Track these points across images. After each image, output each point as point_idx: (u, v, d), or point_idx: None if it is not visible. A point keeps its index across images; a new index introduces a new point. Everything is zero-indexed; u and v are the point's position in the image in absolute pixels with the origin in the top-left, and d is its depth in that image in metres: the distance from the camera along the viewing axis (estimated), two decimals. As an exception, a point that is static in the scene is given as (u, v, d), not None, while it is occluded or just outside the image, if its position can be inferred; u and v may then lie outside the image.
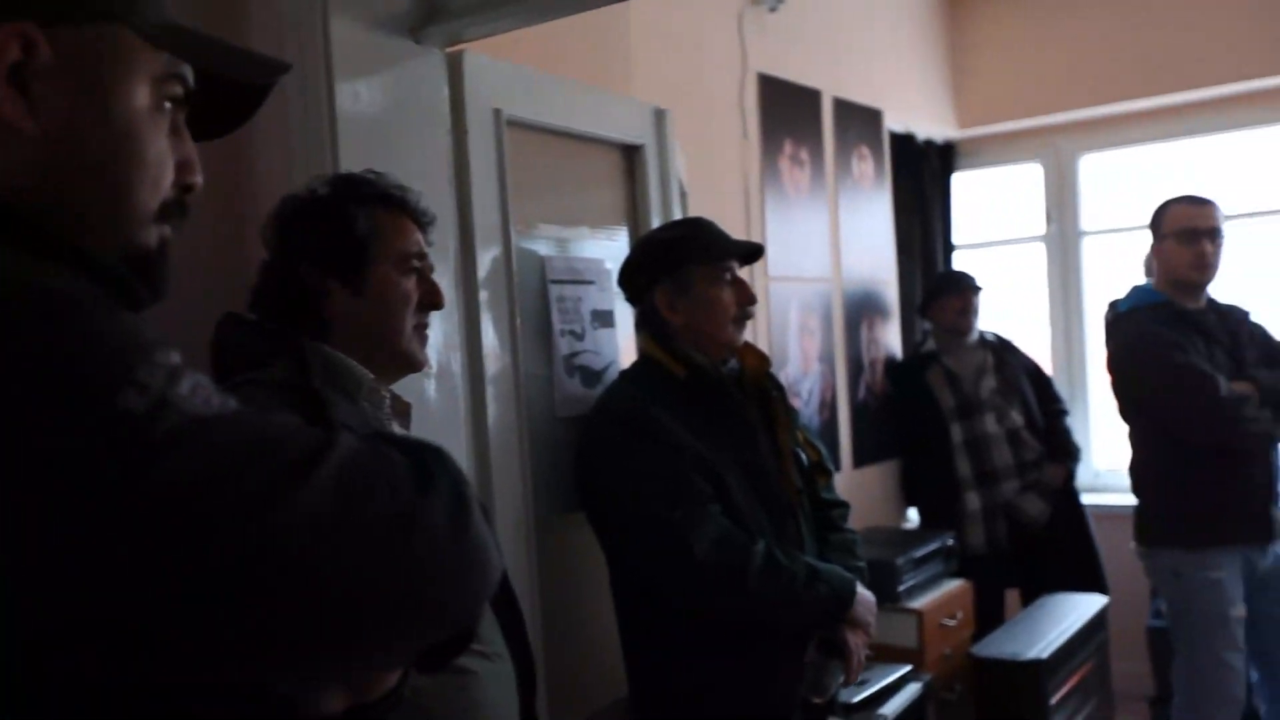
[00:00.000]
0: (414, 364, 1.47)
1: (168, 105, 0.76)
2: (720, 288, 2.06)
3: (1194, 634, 2.93)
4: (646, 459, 1.94)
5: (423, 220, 1.49)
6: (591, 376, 2.21)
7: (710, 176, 3.22)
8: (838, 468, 3.80)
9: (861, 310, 4.05)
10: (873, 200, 4.19)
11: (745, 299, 2.08)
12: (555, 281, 2.14)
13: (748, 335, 2.26)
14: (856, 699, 2.73)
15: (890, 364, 4.19)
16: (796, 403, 3.61)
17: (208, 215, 1.62)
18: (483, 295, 1.92)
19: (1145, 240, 4.01)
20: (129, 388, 0.61)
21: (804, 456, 2.18)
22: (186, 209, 0.79)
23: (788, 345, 3.59)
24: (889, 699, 2.80)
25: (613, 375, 2.21)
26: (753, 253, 2.11)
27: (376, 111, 1.73)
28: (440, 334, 1.77)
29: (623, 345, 2.30)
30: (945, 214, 4.78)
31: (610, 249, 2.30)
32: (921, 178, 4.65)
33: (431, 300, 1.48)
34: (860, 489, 3.92)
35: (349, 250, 1.40)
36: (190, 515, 0.60)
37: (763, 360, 2.15)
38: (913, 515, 4.22)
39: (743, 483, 2.00)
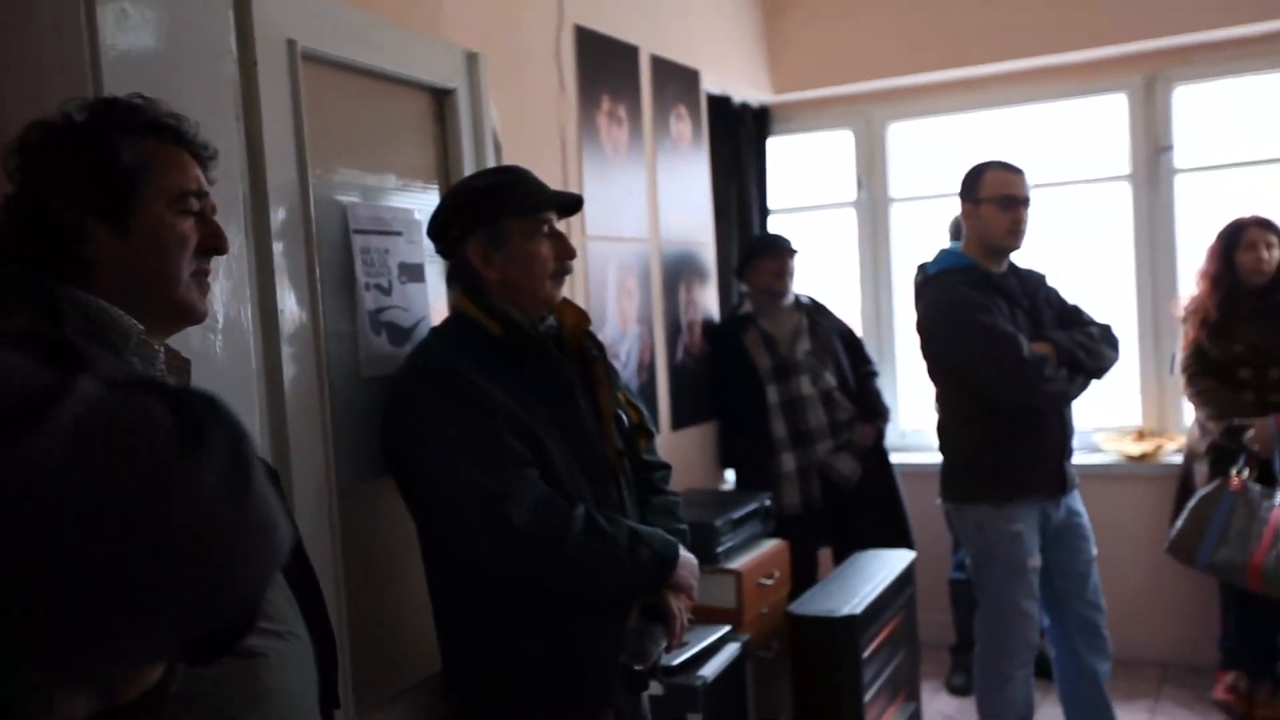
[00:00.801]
0: (192, 315, 1.30)
1: None
2: (537, 241, 1.95)
3: (995, 584, 3.04)
4: (459, 421, 1.82)
5: (202, 154, 1.32)
6: (400, 333, 2.06)
7: (525, 129, 3.10)
8: (656, 430, 3.76)
9: (679, 272, 4.02)
10: (690, 161, 4.16)
11: (564, 253, 1.98)
12: (359, 231, 1.98)
13: (564, 294, 2.17)
14: (676, 662, 2.71)
15: (708, 326, 4.19)
16: (615, 364, 3.54)
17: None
18: (277, 245, 1.75)
19: (950, 208, 4.17)
20: None
21: (625, 418, 2.10)
22: None
23: (606, 306, 3.51)
24: (708, 660, 2.79)
25: (423, 333, 2.07)
26: (571, 204, 2.01)
27: (148, 36, 1.53)
28: (227, 284, 1.60)
29: (435, 301, 2.16)
30: (761, 178, 4.81)
31: (420, 199, 2.15)
32: (738, 141, 4.66)
33: (213, 244, 1.31)
34: (678, 451, 3.90)
35: (112, 184, 1.22)
36: None
37: (582, 318, 2.06)
38: (730, 477, 4.24)
39: (562, 445, 1.91)
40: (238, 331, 1.63)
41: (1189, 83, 4.28)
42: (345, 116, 1.99)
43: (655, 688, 2.08)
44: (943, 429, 3.22)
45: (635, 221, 3.74)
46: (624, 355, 3.63)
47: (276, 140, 1.75)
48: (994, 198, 3.03)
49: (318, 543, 1.78)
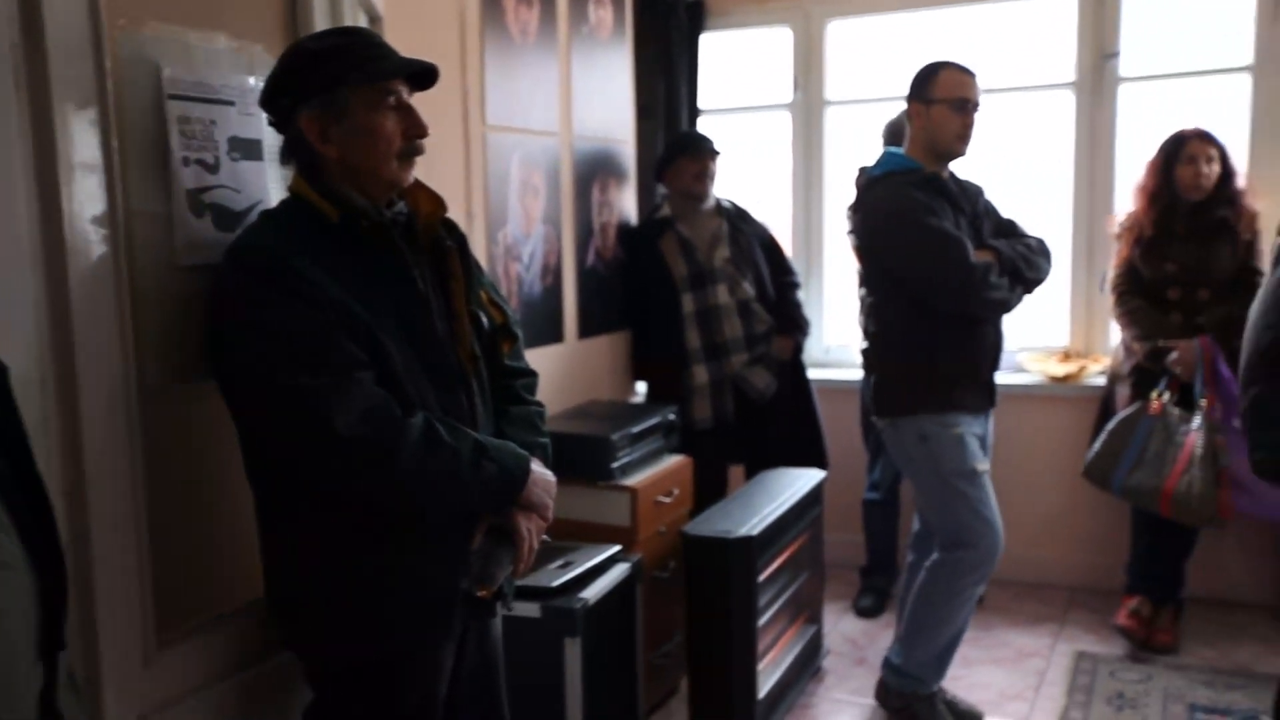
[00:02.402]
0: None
1: None
2: (382, 114, 1.71)
3: (948, 495, 2.91)
4: (281, 315, 1.61)
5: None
6: (229, 217, 1.83)
7: (414, 3, 2.81)
8: (560, 338, 3.58)
9: (594, 171, 3.78)
10: (610, 53, 3.89)
11: (414, 130, 1.75)
12: (176, 98, 1.73)
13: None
14: (557, 583, 2.56)
15: (623, 230, 3.96)
16: (515, 267, 3.33)
17: None
18: (60, 105, 1.50)
19: (886, 113, 3.96)
20: None
21: (486, 318, 1.90)
22: None
23: (507, 202, 3.28)
24: (593, 581, 2.65)
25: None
26: (424, 74, 1.77)
27: None
28: (-19, 147, 1.36)
29: (278, 183, 1.93)
30: (692, 75, 4.54)
31: (260, 64, 1.89)
32: (669, 35, 4.39)
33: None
34: (586, 361, 3.72)
35: None
36: None
37: (437, 205, 1.83)
38: (641, 389, 4.07)
39: (405, 347, 1.71)
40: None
41: (1138, -14, 4.07)
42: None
43: (502, 611, 1.92)
44: (879, 340, 3.06)
45: (544, 114, 3.48)
46: (526, 257, 3.41)
47: (59, -23, 1.49)
48: (947, 99, 2.86)
49: (111, 448, 1.57)
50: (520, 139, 3.34)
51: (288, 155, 1.77)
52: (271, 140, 1.86)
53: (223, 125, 1.82)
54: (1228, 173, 3.56)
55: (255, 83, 1.87)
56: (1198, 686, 3.24)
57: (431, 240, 1.83)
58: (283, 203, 1.78)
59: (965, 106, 2.87)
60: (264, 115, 1.79)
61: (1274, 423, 0.86)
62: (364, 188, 1.74)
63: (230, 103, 1.84)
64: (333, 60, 1.70)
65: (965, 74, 2.89)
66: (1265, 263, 3.53)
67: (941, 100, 2.87)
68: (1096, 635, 3.64)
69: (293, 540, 1.72)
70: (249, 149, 1.88)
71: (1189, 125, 3.59)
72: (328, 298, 1.63)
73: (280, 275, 1.62)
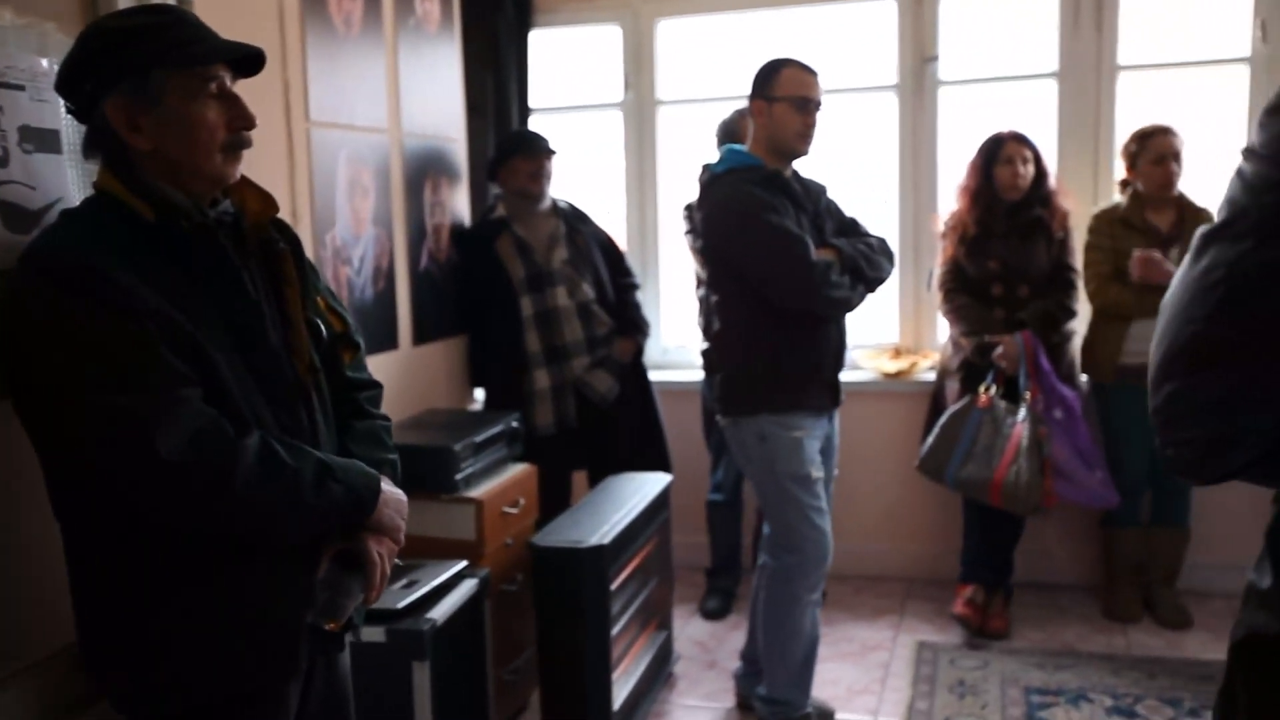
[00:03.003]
0: None
1: None
2: (202, 102, 1.54)
3: (783, 498, 2.89)
4: (91, 328, 1.42)
5: None
6: (22, 217, 1.63)
7: (229, -13, 2.61)
8: (394, 344, 3.41)
9: (425, 169, 3.62)
10: (439, 47, 3.74)
11: (239, 120, 1.58)
12: (-44, 81, 1.52)
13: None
14: (403, 604, 2.43)
15: (457, 231, 3.82)
16: (346, 271, 3.15)
17: None
18: None
19: (719, 112, 3.95)
20: None
21: (324, 326, 1.75)
22: None
23: (335, 203, 3.09)
24: (440, 600, 2.52)
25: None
26: (250, 59, 1.61)
27: None
28: None
29: (80, 179, 1.72)
30: (522, 72, 4.43)
31: (55, 44, 1.69)
32: (496, 30, 4.26)
33: None
34: (421, 368, 3.56)
35: None
36: None
37: (267, 203, 1.67)
38: (480, 396, 3.94)
39: (235, 360, 1.55)
40: None
41: (957, -7, 4.21)
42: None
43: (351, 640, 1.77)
44: (723, 340, 3.03)
45: (371, 109, 3.31)
46: (357, 261, 3.23)
47: None
48: (790, 97, 2.84)
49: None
50: (346, 135, 3.16)
51: (91, 148, 1.57)
52: (73, 131, 1.66)
53: (11, 113, 1.62)
54: (1041, 173, 3.71)
55: (49, 65, 1.67)
56: (1031, 669, 3.35)
57: (262, 242, 1.67)
58: (87, 200, 1.59)
59: (807, 105, 2.86)
60: (62, 102, 1.60)
61: (1188, 420, 0.83)
62: (183, 184, 1.57)
63: (19, 87, 1.64)
64: (143, 40, 1.52)
65: (808, 72, 2.89)
66: (1078, 260, 3.72)
67: (783, 98, 2.86)
68: (935, 625, 3.74)
69: (108, 577, 1.53)
70: (44, 140, 1.67)
71: (1004, 128, 3.73)
72: (145, 307, 1.45)
73: (88, 282, 1.44)
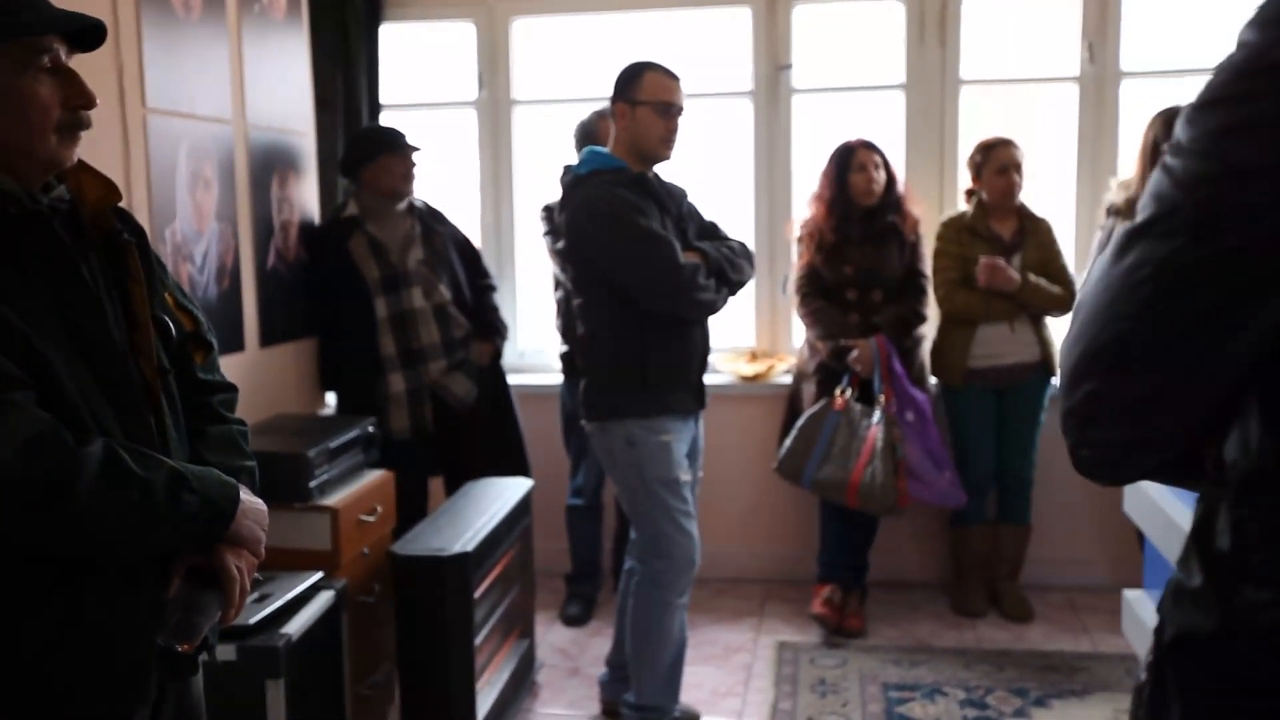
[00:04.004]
0: None
1: None
2: (34, 78, 1.40)
3: (651, 503, 2.86)
4: (-94, 326, 1.27)
5: None
6: None
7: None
8: (240, 346, 3.24)
9: (272, 164, 3.45)
10: (286, 36, 3.58)
11: (78, 98, 1.44)
12: None
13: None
14: (255, 619, 2.29)
15: (307, 229, 3.66)
16: (187, 268, 2.97)
17: None
18: None
19: (576, 114, 3.91)
20: None
21: (173, 325, 1.62)
22: None
23: (175, 196, 2.91)
24: (295, 614, 2.39)
25: None
26: (88, 31, 1.48)
27: None
28: None
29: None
30: (372, 67, 4.29)
31: None
32: (345, 23, 4.12)
33: None
34: (269, 371, 3.39)
35: None
36: None
37: (108, 190, 1.54)
38: (331, 400, 3.78)
39: (75, 361, 1.41)
40: None
41: (809, 2, 4.28)
42: None
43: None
44: (588, 343, 2.98)
45: (214, 98, 3.13)
46: (200, 258, 3.05)
47: None
48: (653, 102, 2.83)
49: None
50: (188, 125, 2.98)
51: (-94, 126, 1.41)
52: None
53: None
54: (891, 179, 3.81)
55: None
56: (888, 665, 3.43)
57: (104, 233, 1.53)
58: (-98, 184, 1.43)
59: (670, 110, 2.85)
60: None
61: (1105, 421, 0.83)
62: (12, 167, 1.42)
63: None
64: (-34, 9, 1.37)
65: (670, 77, 2.88)
66: (928, 266, 3.83)
67: (647, 102, 2.84)
68: (794, 625, 3.78)
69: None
70: None
71: (853, 136, 3.82)
72: (-30, 302, 1.31)
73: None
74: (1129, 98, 4.13)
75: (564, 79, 4.46)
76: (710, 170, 4.38)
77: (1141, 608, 2.45)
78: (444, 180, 4.49)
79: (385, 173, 3.55)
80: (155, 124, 2.82)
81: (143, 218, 2.75)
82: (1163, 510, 2.18)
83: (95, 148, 2.54)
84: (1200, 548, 0.83)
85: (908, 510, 3.73)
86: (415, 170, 3.60)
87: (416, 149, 3.60)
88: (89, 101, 1.46)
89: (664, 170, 3.01)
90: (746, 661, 3.51)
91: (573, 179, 2.95)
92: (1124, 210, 3.56)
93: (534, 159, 4.46)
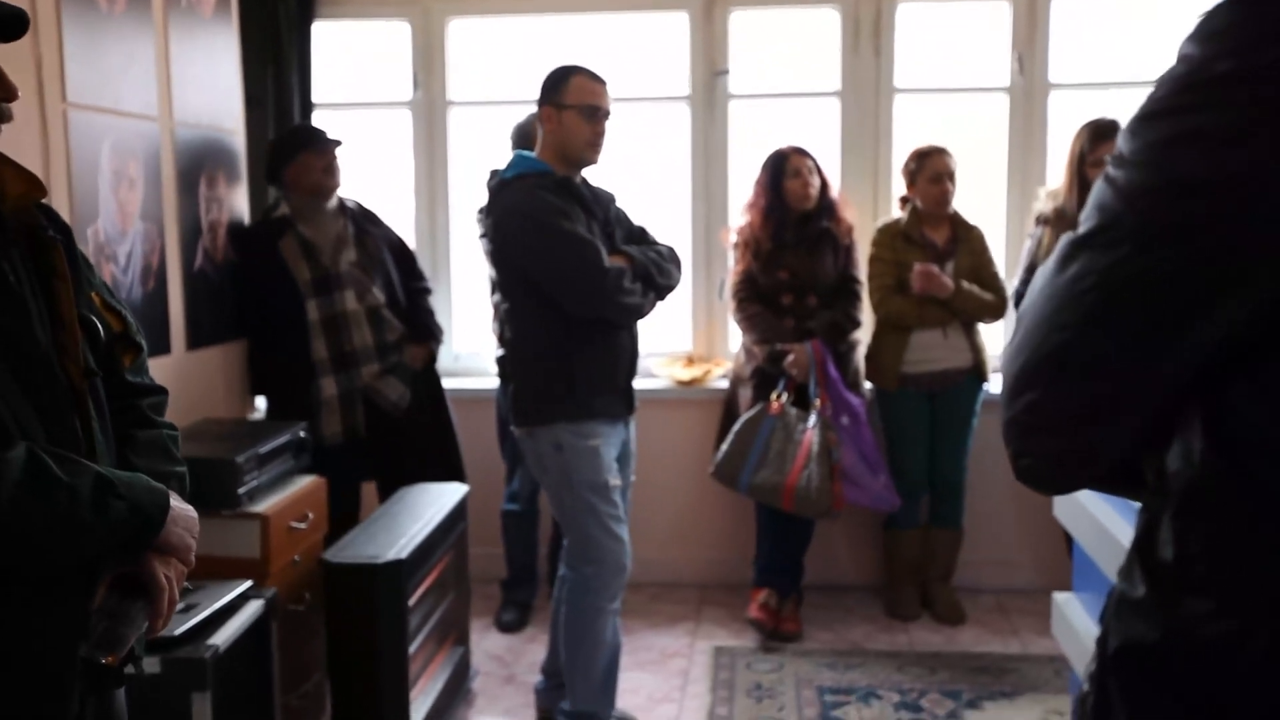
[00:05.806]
0: None
1: None
2: (-46, 67, 1.35)
3: (580, 509, 2.84)
4: None
5: None
6: None
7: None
8: (167, 349, 3.15)
9: (200, 162, 3.36)
10: (215, 31, 3.49)
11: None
12: None
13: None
14: (181, 630, 2.23)
15: (236, 229, 3.57)
16: (111, 269, 2.88)
17: None
18: None
19: (513, 116, 3.88)
20: None
21: (101, 326, 1.56)
22: None
23: (98, 194, 2.82)
24: (222, 624, 2.33)
25: None
26: (8, 21, 1.42)
27: None
28: None
29: None
30: (304, 65, 4.22)
31: None
32: (276, 20, 4.04)
33: None
34: (197, 375, 3.31)
35: None
36: None
37: (31, 185, 1.48)
38: (261, 405, 3.70)
39: (-4, 362, 1.35)
40: None
41: (745, 7, 4.30)
42: None
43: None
44: (515, 348, 2.96)
45: (139, 94, 3.04)
46: (124, 258, 2.96)
47: None
48: (579, 106, 2.81)
49: None
50: (111, 121, 2.89)
51: None
52: None
53: None
54: (825, 185, 3.85)
55: None
56: (823, 669, 3.45)
57: (27, 230, 1.47)
58: None
59: (596, 114, 2.84)
60: None
61: (1046, 431, 0.83)
62: (-71, 160, 1.36)
63: None
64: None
65: (597, 81, 2.87)
66: (862, 271, 3.87)
67: (573, 106, 2.83)
68: (730, 630, 3.79)
69: None
70: None
71: (785, 143, 3.85)
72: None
73: None
74: (1057, 108, 4.22)
75: (501, 80, 4.43)
76: (647, 175, 4.38)
77: (1070, 610, 2.48)
78: (378, 181, 4.43)
79: (306, 170, 3.49)
80: (76, 119, 2.73)
81: (64, 217, 2.66)
82: (1091, 514, 2.22)
83: (12, 144, 2.45)
84: (1143, 558, 0.83)
85: (842, 514, 3.75)
86: (337, 165, 3.54)
87: (337, 143, 3.54)
88: (10, 93, 1.41)
89: (598, 174, 3.00)
90: (683, 666, 3.50)
91: (499, 183, 2.93)
92: (1052, 220, 3.64)
93: (470, 161, 4.41)
